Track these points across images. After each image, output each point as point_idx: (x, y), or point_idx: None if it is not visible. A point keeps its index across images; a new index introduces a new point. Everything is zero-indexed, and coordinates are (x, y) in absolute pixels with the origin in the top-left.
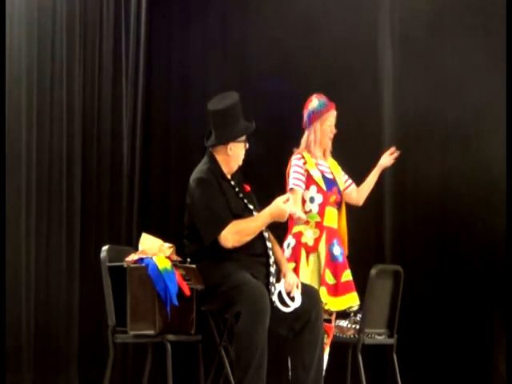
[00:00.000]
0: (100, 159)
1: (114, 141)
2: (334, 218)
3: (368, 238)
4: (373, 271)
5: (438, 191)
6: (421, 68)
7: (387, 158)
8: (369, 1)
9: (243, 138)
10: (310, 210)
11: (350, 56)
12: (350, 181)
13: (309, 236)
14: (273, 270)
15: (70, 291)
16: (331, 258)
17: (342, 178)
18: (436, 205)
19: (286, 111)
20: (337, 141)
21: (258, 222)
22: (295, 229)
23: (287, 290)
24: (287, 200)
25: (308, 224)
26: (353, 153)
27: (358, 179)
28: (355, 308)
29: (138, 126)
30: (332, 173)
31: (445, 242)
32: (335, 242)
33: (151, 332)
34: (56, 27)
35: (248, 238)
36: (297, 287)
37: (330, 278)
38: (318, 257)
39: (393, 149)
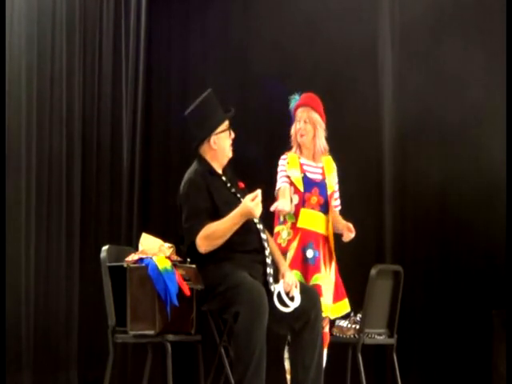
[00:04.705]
0: (100, 159)
1: (114, 141)
2: (315, 221)
3: (368, 238)
4: (373, 271)
5: (438, 191)
6: (421, 68)
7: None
8: (369, 1)
9: (224, 127)
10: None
11: (350, 56)
12: (338, 202)
13: (284, 237)
14: (269, 260)
15: (69, 291)
16: (303, 259)
17: (333, 181)
18: (436, 204)
19: (286, 111)
20: (337, 140)
21: (227, 223)
22: (276, 229)
23: (286, 289)
24: (255, 197)
25: (286, 224)
26: (353, 153)
27: (358, 179)
28: None
29: (138, 126)
30: (323, 173)
31: (445, 241)
32: (310, 244)
33: (151, 332)
34: (56, 27)
35: (220, 241)
36: (295, 287)
37: (301, 279)
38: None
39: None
